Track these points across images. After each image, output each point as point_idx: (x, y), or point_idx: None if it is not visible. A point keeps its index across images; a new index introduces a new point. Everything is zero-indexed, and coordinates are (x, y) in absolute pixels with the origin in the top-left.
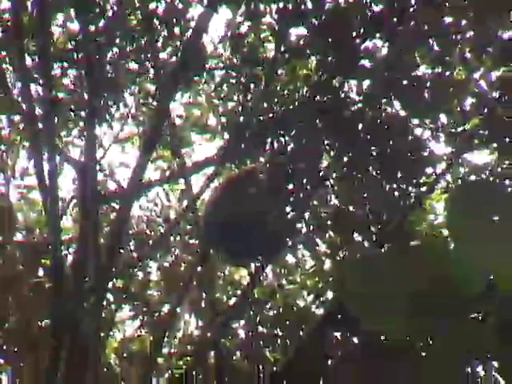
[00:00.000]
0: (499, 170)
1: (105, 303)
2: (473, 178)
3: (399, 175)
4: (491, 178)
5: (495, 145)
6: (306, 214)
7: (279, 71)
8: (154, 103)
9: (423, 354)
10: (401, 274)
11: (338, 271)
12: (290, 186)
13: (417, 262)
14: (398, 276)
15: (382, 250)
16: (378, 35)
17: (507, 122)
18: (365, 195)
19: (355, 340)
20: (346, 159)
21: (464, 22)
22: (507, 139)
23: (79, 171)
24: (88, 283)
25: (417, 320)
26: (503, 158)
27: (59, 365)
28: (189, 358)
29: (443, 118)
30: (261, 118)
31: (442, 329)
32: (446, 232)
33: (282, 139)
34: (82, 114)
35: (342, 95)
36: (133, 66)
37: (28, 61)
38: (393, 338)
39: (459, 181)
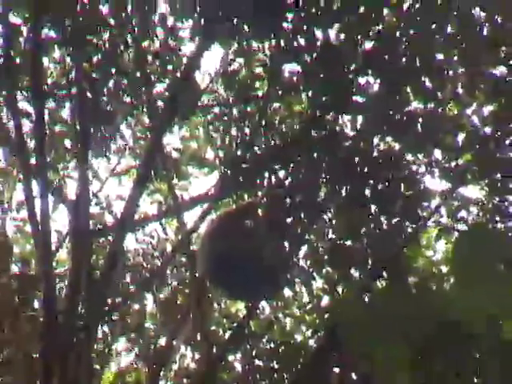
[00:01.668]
0: (489, 205)
1: (101, 335)
2: (464, 213)
3: (395, 210)
4: (481, 214)
5: (486, 181)
6: (303, 248)
7: (274, 106)
8: (149, 136)
9: None
10: (400, 315)
11: (335, 310)
12: (288, 220)
13: (416, 304)
14: (398, 317)
15: (380, 288)
16: (369, 72)
17: (498, 158)
18: (362, 229)
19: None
20: (343, 193)
21: (455, 58)
22: (498, 175)
23: (72, 208)
24: (81, 318)
25: (416, 361)
26: (493, 194)
27: None
28: None
29: (437, 153)
30: (257, 151)
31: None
32: (443, 269)
33: (280, 173)
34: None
35: (337, 129)
36: (128, 98)
37: (20, 97)
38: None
39: (453, 217)
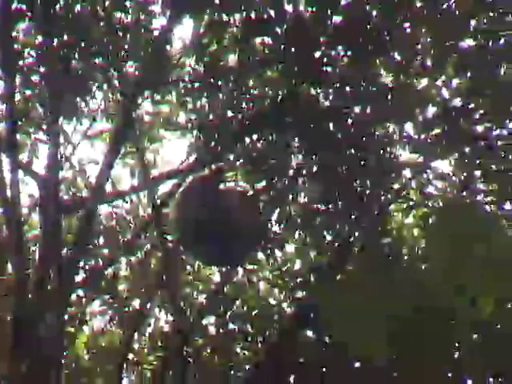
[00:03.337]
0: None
1: (75, 297)
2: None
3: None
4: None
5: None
6: (276, 213)
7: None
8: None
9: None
10: (381, 295)
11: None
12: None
13: (393, 273)
14: (379, 296)
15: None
16: (339, 45)
17: (466, 131)
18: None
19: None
20: (316, 160)
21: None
22: (466, 149)
23: (41, 184)
24: (52, 283)
25: (393, 340)
26: (460, 168)
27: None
28: (159, 354)
29: (408, 127)
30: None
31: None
32: (415, 232)
33: (253, 138)
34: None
35: (310, 99)
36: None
37: None
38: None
39: (421, 192)
